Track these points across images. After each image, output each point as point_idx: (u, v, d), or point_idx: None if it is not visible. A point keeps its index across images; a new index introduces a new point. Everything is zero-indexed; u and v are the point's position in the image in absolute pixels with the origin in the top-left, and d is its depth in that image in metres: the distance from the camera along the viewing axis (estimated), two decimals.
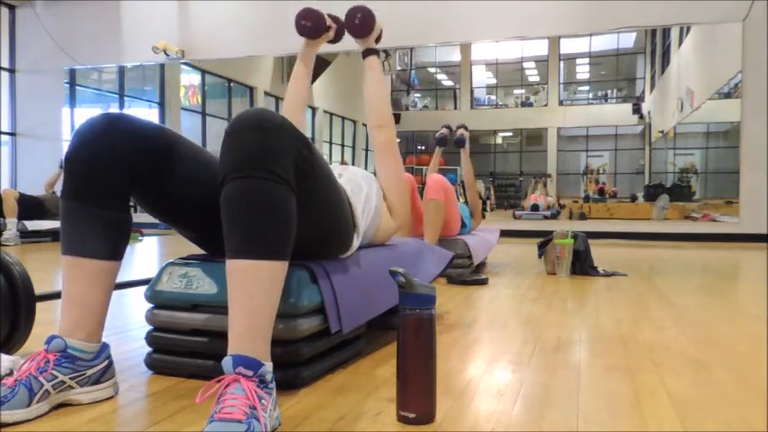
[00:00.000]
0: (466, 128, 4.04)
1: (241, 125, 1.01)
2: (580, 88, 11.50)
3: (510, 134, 12.32)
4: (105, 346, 1.16)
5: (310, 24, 1.77)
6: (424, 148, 12.15)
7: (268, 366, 0.98)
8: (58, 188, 5.48)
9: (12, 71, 8.79)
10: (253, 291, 0.99)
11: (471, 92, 11.47)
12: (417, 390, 1.03)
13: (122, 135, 1.14)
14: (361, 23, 1.77)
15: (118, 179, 1.14)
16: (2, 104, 8.72)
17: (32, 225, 5.57)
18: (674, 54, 9.17)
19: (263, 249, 1.00)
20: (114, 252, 1.16)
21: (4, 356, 1.10)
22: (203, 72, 9.42)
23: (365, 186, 1.57)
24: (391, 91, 11.70)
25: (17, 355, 1.28)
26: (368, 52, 1.81)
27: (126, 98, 9.49)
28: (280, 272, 1.03)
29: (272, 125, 1.02)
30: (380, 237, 1.70)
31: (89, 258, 1.12)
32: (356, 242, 1.45)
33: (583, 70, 11.70)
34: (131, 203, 1.21)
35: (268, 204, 1.00)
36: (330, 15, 1.83)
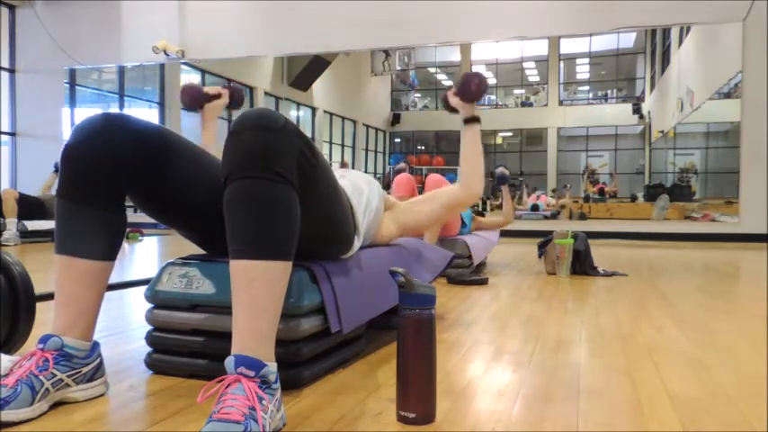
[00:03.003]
0: (505, 166, 4.16)
1: (244, 126, 1.01)
2: (580, 88, 11.50)
3: (510, 134, 12.32)
4: (97, 344, 1.17)
5: (187, 99, 1.80)
6: (423, 148, 12.15)
7: (271, 367, 0.98)
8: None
9: (12, 71, 8.79)
10: (256, 291, 0.99)
11: None
12: (417, 390, 1.03)
13: (120, 135, 1.13)
14: (477, 89, 1.82)
15: (114, 179, 1.14)
16: (2, 104, 8.72)
17: (32, 225, 5.57)
18: (674, 54, 9.17)
19: (266, 249, 1.00)
20: (108, 252, 1.16)
21: (4, 356, 1.10)
22: (203, 72, 9.41)
23: (366, 188, 1.57)
24: (391, 91, 11.72)
25: (17, 354, 1.28)
26: (471, 120, 1.84)
27: (126, 98, 9.48)
28: (283, 272, 1.03)
29: (275, 125, 1.02)
30: (381, 238, 1.70)
31: (83, 258, 1.12)
32: (357, 243, 1.45)
33: (583, 70, 11.70)
34: (130, 204, 1.21)
35: (271, 204, 1.00)
36: (225, 86, 1.84)
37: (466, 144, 1.83)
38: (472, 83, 1.81)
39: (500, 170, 4.08)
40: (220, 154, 1.71)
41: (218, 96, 1.80)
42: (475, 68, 11.57)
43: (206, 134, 1.82)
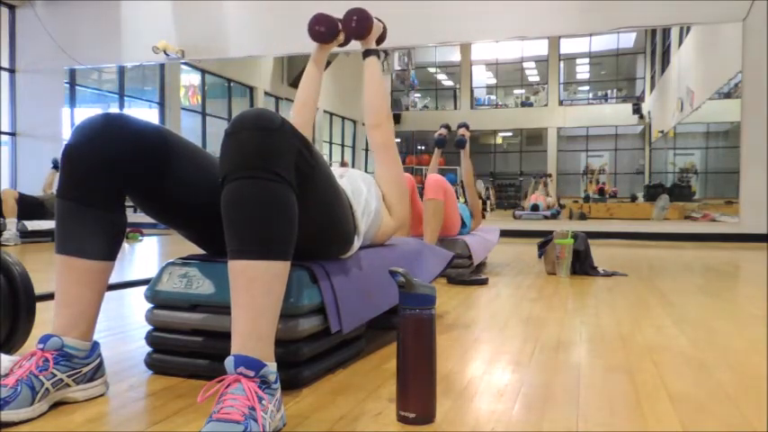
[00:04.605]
0: (467, 127, 4.03)
1: (241, 125, 1.01)
2: (580, 88, 11.49)
3: (510, 134, 12.32)
4: (97, 344, 1.17)
5: (324, 30, 1.81)
6: (423, 148, 12.14)
7: (271, 367, 0.98)
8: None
9: (12, 71, 8.79)
10: (255, 291, 0.99)
11: (471, 92, 11.47)
12: (417, 390, 1.03)
13: (120, 135, 1.13)
14: (357, 26, 1.81)
15: (114, 179, 1.14)
16: (2, 104, 8.72)
17: (32, 225, 5.57)
18: (674, 54, 9.16)
19: (264, 249, 1.00)
20: (109, 252, 1.16)
21: (4, 356, 1.10)
22: (203, 72, 9.42)
23: (365, 189, 1.57)
24: (391, 91, 11.72)
25: (17, 354, 1.28)
26: (367, 53, 1.84)
27: (126, 98, 9.48)
28: (282, 272, 1.03)
29: (273, 125, 1.02)
30: (381, 237, 1.70)
31: (83, 258, 1.12)
32: (357, 243, 1.45)
33: (583, 70, 11.69)
34: (130, 204, 1.21)
35: (269, 204, 1.00)
36: (340, 20, 1.86)
37: (366, 77, 1.83)
38: (351, 20, 1.81)
39: (460, 132, 3.89)
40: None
41: (339, 33, 1.86)
42: (476, 68, 11.59)
43: (316, 67, 1.86)
